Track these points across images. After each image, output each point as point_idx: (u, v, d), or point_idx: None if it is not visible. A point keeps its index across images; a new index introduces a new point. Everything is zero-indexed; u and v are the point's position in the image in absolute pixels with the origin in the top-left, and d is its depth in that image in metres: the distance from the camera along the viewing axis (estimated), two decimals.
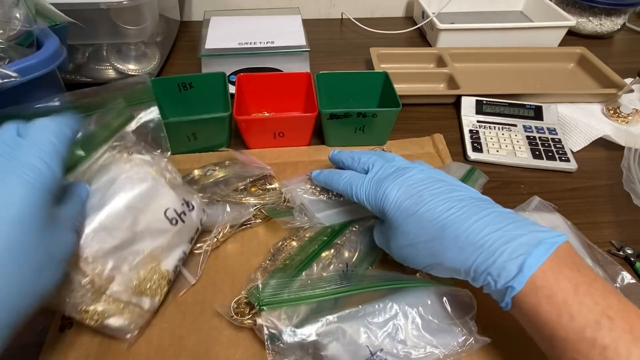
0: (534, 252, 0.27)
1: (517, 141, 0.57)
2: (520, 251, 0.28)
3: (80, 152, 0.34)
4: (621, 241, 0.45)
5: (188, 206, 0.38)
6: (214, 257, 0.42)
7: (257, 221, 0.45)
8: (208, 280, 0.40)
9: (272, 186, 0.47)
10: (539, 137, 0.57)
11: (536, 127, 0.59)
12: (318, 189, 0.45)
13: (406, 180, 0.34)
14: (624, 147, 0.54)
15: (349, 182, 0.39)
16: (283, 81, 0.58)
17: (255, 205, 0.44)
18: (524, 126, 0.59)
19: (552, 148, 0.55)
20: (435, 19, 0.75)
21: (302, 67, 0.66)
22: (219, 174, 0.46)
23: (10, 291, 0.24)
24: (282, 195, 0.45)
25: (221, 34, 0.68)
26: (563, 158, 0.54)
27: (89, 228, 0.31)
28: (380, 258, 0.41)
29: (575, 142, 0.58)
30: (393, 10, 0.93)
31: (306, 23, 0.72)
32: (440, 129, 0.59)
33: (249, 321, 0.35)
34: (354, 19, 0.87)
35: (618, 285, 0.39)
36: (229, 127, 0.53)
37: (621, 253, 0.44)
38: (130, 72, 0.64)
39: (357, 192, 0.37)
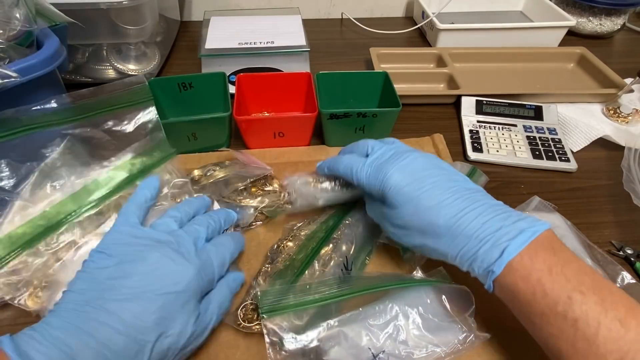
0: (515, 240, 0.30)
1: (517, 141, 0.57)
2: (503, 240, 0.30)
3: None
4: (621, 241, 0.45)
5: None
6: None
7: (258, 223, 0.45)
8: None
9: (273, 187, 0.47)
10: (539, 137, 0.57)
11: (536, 127, 0.59)
12: (319, 180, 0.45)
13: (407, 165, 0.35)
14: (624, 147, 0.54)
15: (349, 165, 0.39)
16: (283, 81, 0.58)
17: (256, 208, 0.44)
18: (524, 126, 0.59)
19: (552, 148, 0.55)
20: (435, 19, 0.74)
21: (302, 67, 0.66)
22: (219, 174, 0.46)
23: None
24: (282, 195, 0.45)
25: (221, 34, 0.68)
26: (563, 158, 0.54)
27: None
28: (377, 247, 0.42)
29: (575, 142, 0.58)
30: (393, 10, 0.93)
31: (306, 23, 0.72)
32: (440, 129, 0.59)
33: (258, 327, 0.35)
34: (354, 19, 0.87)
35: (618, 285, 0.39)
36: (229, 127, 0.53)
37: (621, 253, 0.44)
38: (130, 72, 0.64)
39: (357, 174, 0.38)
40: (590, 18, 0.83)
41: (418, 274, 0.39)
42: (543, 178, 0.53)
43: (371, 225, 0.42)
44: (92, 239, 0.39)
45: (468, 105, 0.61)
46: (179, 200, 0.43)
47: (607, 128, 0.59)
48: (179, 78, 0.55)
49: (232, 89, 0.57)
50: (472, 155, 0.55)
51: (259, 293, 0.34)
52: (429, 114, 0.63)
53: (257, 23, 0.72)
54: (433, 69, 0.71)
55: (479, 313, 0.35)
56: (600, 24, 0.83)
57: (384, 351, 0.31)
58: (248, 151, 0.54)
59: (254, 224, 0.45)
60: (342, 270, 0.39)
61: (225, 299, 0.35)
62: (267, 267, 0.39)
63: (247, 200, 0.44)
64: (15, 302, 0.36)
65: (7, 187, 0.40)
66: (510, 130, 0.58)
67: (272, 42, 0.66)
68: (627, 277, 0.40)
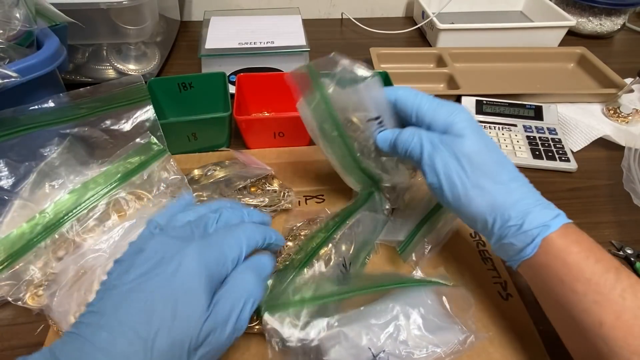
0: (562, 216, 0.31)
1: (517, 141, 0.57)
2: (556, 211, 0.31)
3: None
4: (621, 241, 0.45)
5: None
6: None
7: None
8: None
9: (273, 187, 0.47)
10: (539, 137, 0.57)
11: (536, 127, 0.59)
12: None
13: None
14: (624, 147, 0.54)
15: (412, 92, 0.37)
16: (283, 81, 0.58)
17: (256, 207, 0.44)
18: (524, 126, 0.59)
19: (552, 148, 0.55)
20: (435, 19, 0.74)
21: None
22: (219, 174, 0.46)
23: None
24: (282, 195, 0.45)
25: (221, 34, 0.68)
26: (563, 158, 0.54)
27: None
28: (376, 248, 0.42)
29: (575, 142, 0.58)
30: (393, 10, 0.93)
31: (306, 23, 0.72)
32: None
33: (258, 327, 0.34)
34: (354, 19, 0.87)
35: None
36: (229, 127, 0.53)
37: (621, 253, 0.44)
38: (130, 72, 0.64)
39: (420, 102, 0.36)
40: (590, 18, 0.83)
41: (418, 273, 0.39)
42: (543, 178, 0.53)
43: (371, 225, 0.42)
44: (91, 237, 0.39)
45: (468, 105, 0.61)
46: (175, 196, 0.43)
47: (607, 128, 0.59)
48: (179, 78, 0.55)
49: (232, 89, 0.57)
50: None
51: None
52: None
53: (257, 23, 0.72)
54: (433, 69, 0.71)
55: (478, 313, 0.35)
56: (600, 24, 0.83)
57: (384, 351, 0.31)
58: (248, 151, 0.54)
59: None
60: (341, 270, 0.39)
61: (250, 282, 0.29)
62: None
63: (247, 199, 0.44)
64: (15, 300, 0.36)
65: (6, 187, 0.40)
66: (510, 130, 0.58)
67: (272, 42, 0.66)
68: None
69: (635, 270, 0.42)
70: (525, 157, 0.54)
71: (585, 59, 0.72)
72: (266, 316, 0.32)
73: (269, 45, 0.65)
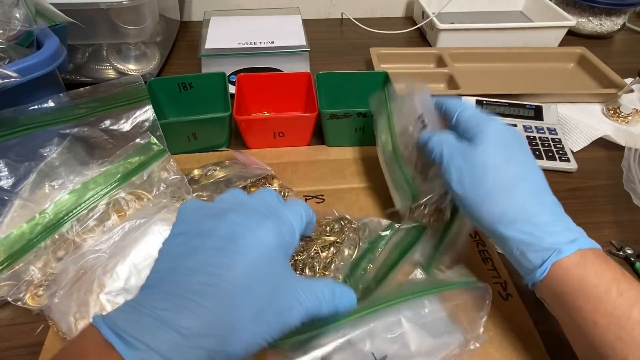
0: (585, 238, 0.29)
1: None
2: (576, 229, 0.30)
3: None
4: (621, 241, 0.45)
5: None
6: None
7: None
8: None
9: (273, 187, 0.47)
10: (539, 137, 0.57)
11: (536, 127, 0.59)
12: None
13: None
14: (624, 147, 0.54)
15: (458, 101, 0.38)
16: (283, 81, 0.58)
17: None
18: (524, 126, 0.59)
19: (552, 148, 0.55)
20: (435, 19, 0.74)
21: (302, 67, 0.66)
22: (219, 174, 0.46)
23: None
24: (282, 195, 0.45)
25: (221, 34, 0.68)
26: (563, 158, 0.54)
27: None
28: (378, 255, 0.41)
29: (575, 142, 0.58)
30: (393, 10, 0.93)
31: (306, 23, 0.72)
32: None
33: None
34: (354, 19, 0.87)
35: None
36: (229, 127, 0.53)
37: (621, 253, 0.44)
38: (130, 72, 0.64)
39: (464, 107, 0.37)
40: (590, 18, 0.83)
41: (417, 274, 0.39)
42: None
43: (375, 229, 0.42)
44: (91, 238, 0.39)
45: None
46: (175, 197, 0.43)
47: (607, 128, 0.59)
48: (179, 78, 0.55)
49: (232, 89, 0.57)
50: None
51: None
52: None
53: (257, 23, 0.72)
54: (433, 69, 0.71)
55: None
56: (600, 24, 0.83)
57: (386, 356, 0.31)
58: (248, 151, 0.54)
59: None
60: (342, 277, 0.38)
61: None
62: None
63: None
64: (15, 300, 0.36)
65: (6, 187, 0.40)
66: None
67: (272, 42, 0.66)
68: None
69: (635, 270, 0.42)
70: None
71: (585, 59, 0.72)
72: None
73: (269, 45, 0.65)
